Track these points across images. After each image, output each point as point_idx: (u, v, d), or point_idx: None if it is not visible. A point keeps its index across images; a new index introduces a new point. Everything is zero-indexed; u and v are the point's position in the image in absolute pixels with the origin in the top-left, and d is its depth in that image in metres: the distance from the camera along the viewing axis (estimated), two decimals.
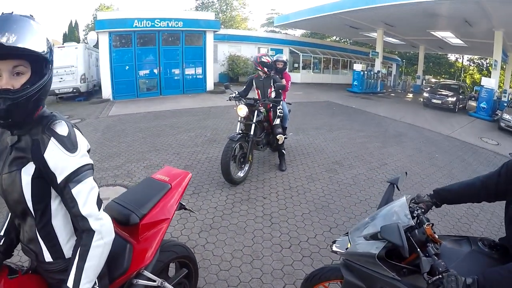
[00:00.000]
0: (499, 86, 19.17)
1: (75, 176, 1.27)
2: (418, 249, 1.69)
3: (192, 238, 3.57)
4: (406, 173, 2.37)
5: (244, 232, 3.80)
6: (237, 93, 5.48)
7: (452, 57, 43.72)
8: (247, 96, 5.64)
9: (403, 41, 26.63)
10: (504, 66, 23.76)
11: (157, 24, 13.69)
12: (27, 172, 1.25)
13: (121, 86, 13.59)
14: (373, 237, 1.84)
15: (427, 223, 1.84)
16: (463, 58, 43.39)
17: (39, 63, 1.24)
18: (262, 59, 5.60)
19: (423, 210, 2.06)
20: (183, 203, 2.25)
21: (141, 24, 13.39)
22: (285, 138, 5.88)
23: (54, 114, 1.34)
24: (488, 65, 38.61)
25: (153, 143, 6.92)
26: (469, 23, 16.09)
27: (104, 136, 7.64)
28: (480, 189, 2.07)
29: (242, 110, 5.02)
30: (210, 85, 15.62)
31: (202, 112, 10.39)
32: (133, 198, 1.93)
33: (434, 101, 16.78)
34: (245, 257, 3.36)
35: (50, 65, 1.28)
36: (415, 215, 1.98)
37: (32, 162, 1.25)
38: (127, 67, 13.63)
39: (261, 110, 5.39)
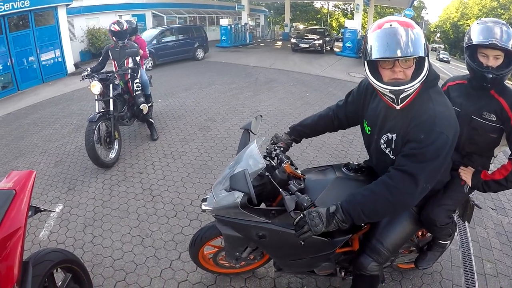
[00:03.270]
0: (363, 27, 20.91)
1: None
2: (280, 189, 1.67)
3: (78, 238, 3.29)
4: (261, 116, 2.30)
5: (127, 214, 3.63)
6: (89, 70, 4.94)
7: (318, 4, 46.10)
8: (103, 70, 5.17)
9: None
10: (367, 9, 25.90)
11: (0, 8, 11.26)
12: None
13: None
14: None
15: (286, 161, 1.85)
16: (328, 5, 46.00)
17: None
18: (111, 28, 5.13)
19: (282, 149, 2.05)
20: (38, 206, 2.07)
21: None
22: (149, 106, 5.63)
23: None
24: (352, 9, 41.63)
25: (18, 147, 6.05)
26: None
27: None
28: (333, 119, 2.12)
29: (96, 87, 4.58)
30: (70, 67, 13.76)
31: (65, 99, 9.36)
32: None
33: (302, 45, 17.64)
34: (135, 238, 3.24)
35: None
36: (274, 155, 1.97)
37: None
38: None
39: (116, 83, 4.97)
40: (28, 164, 5.22)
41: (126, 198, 3.92)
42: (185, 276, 2.77)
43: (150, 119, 5.66)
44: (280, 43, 25.17)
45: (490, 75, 1.80)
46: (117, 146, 4.83)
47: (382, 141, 1.73)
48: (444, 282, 2.72)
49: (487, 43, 1.77)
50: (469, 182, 1.99)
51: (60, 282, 2.06)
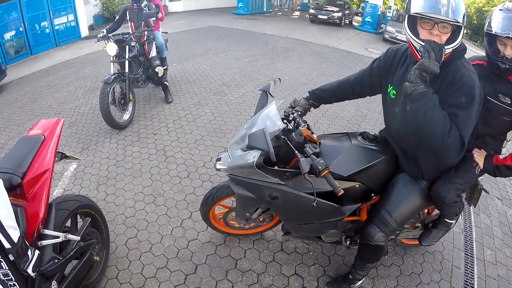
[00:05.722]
0: (384, 3, 20.13)
1: None
2: (296, 151, 1.69)
3: (92, 196, 3.38)
4: (279, 79, 2.30)
5: (140, 173, 3.72)
6: (104, 31, 4.94)
7: None
8: (118, 31, 5.15)
9: None
10: None
11: None
12: None
13: None
14: (249, 146, 1.81)
15: (303, 124, 1.86)
16: None
17: None
18: None
19: (299, 113, 2.07)
20: (64, 152, 2.23)
21: None
22: (165, 69, 5.63)
23: None
24: None
25: (32, 110, 6.13)
26: None
27: None
28: (355, 85, 2.13)
29: (111, 49, 4.59)
30: (84, 31, 13.88)
31: (79, 62, 9.45)
32: (9, 161, 1.82)
33: (321, 16, 17.25)
34: (147, 197, 3.34)
35: None
36: (291, 118, 1.99)
37: None
38: None
39: (132, 44, 4.98)
40: None
41: (139, 158, 4.01)
42: (195, 235, 2.86)
43: (165, 82, 5.69)
44: (298, 13, 24.62)
45: (504, 66, 1.76)
46: (131, 108, 4.89)
47: None
48: (444, 262, 2.80)
49: (504, 35, 1.72)
50: (481, 165, 1.98)
51: (80, 226, 2.19)
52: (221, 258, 2.65)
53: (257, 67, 7.75)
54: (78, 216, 2.24)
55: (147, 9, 5.20)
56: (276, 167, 1.86)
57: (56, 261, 1.73)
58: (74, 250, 1.93)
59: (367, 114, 5.27)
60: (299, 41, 11.71)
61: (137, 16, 5.25)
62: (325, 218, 2.01)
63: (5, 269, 1.43)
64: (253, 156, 1.75)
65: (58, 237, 1.83)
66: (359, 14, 21.62)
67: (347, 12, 18.43)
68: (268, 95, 2.14)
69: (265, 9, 22.50)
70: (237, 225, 2.64)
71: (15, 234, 1.41)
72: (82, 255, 2.07)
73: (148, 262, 2.62)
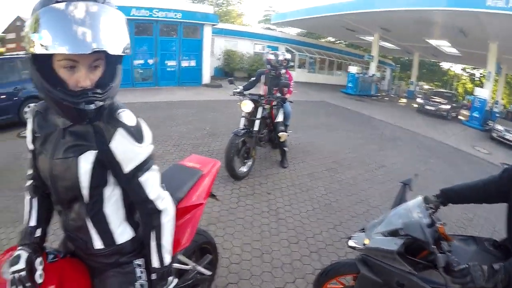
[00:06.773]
0: (491, 97, 19.55)
1: (144, 165, 1.28)
2: (433, 246, 1.80)
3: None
4: (416, 175, 2.51)
5: (251, 226, 3.91)
6: (241, 87, 5.48)
7: (445, 65, 44.12)
8: (251, 91, 5.67)
9: (398, 46, 26.84)
10: (497, 78, 24.12)
11: (155, 14, 13.55)
12: (87, 159, 1.19)
13: None
14: (392, 233, 1.96)
15: (440, 222, 1.98)
16: (456, 67, 43.83)
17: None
18: (267, 57, 5.72)
19: (433, 210, 2.18)
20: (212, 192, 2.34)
21: (139, 13, 13.17)
22: (287, 135, 5.92)
23: (115, 101, 1.24)
24: (481, 75, 38.93)
25: (153, 135, 6.71)
26: (464, 33, 16.26)
27: None
28: (482, 191, 2.20)
29: (247, 106, 5.03)
30: (206, 79, 15.61)
31: (199, 105, 10.44)
32: (167, 184, 1.88)
33: (428, 107, 17.23)
34: (255, 251, 3.46)
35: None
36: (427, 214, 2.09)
37: (93, 151, 1.19)
38: None
39: (265, 107, 5.39)
40: (161, 151, 5.97)
41: (252, 212, 4.23)
42: None
43: (284, 148, 5.94)
44: (404, 100, 24.75)
45: None
46: (250, 163, 5.23)
47: None
48: None
49: None
50: None
51: (194, 258, 2.28)
52: None
53: (367, 151, 7.88)
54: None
55: (283, 78, 5.69)
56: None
57: (174, 284, 1.79)
58: (192, 280, 2.03)
59: (473, 219, 5.06)
60: (406, 131, 11.76)
61: (271, 82, 5.75)
62: None
63: (144, 281, 1.48)
64: (395, 243, 1.90)
65: (187, 264, 1.93)
66: (465, 107, 20.98)
67: (454, 105, 18.14)
68: (407, 188, 2.32)
69: (372, 92, 22.84)
70: None
71: (167, 258, 1.45)
72: (194, 286, 2.16)
73: None
